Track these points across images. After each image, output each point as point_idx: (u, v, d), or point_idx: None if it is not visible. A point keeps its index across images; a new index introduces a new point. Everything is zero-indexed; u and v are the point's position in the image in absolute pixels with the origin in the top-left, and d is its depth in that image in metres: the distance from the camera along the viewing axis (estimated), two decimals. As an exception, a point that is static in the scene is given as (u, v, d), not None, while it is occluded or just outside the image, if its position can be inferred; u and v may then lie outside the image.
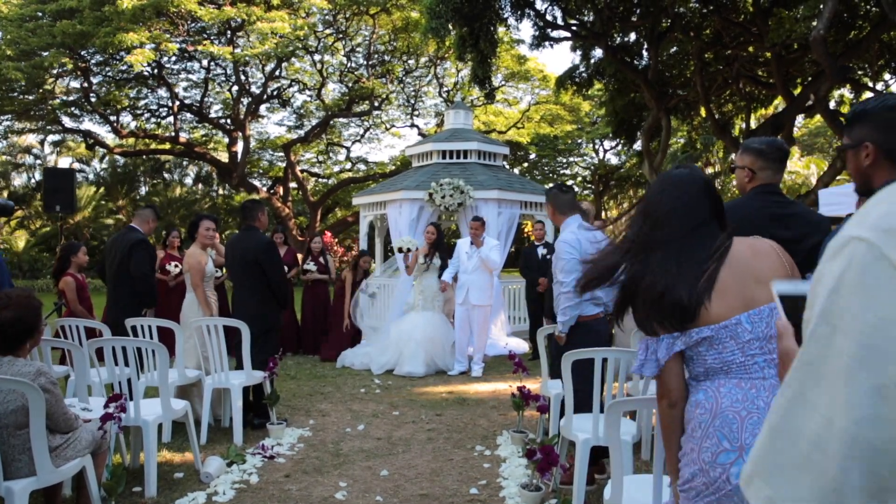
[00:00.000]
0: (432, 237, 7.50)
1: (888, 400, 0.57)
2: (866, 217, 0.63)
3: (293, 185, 25.23)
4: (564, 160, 30.86)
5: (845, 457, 0.58)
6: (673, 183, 1.82)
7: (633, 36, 13.86)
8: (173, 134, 22.41)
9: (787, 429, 0.64)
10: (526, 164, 30.05)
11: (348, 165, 27.73)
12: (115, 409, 3.27)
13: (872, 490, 0.58)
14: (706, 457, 1.63)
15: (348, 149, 26.81)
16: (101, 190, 26.70)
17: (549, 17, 12.85)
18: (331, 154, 27.55)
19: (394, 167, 25.84)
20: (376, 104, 22.59)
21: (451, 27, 11.27)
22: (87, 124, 37.49)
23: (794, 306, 0.97)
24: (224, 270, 7.06)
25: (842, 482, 0.58)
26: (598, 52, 14.02)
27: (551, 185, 4.24)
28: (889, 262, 0.58)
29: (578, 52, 14.56)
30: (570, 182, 29.75)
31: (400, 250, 7.49)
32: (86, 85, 19.63)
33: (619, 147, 25.35)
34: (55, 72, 17.83)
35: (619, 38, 13.71)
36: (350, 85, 22.31)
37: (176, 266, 7.36)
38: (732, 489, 1.58)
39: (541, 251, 7.86)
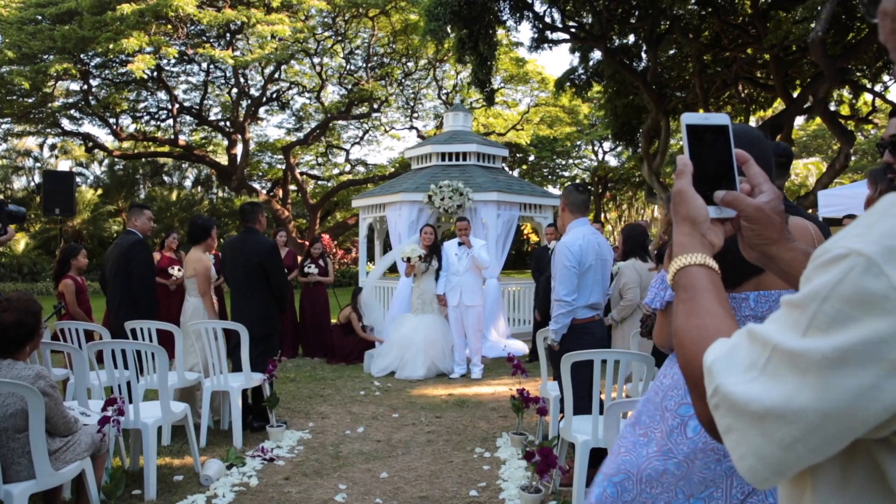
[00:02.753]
0: (430, 238, 7.47)
1: (861, 401, 0.58)
2: (871, 230, 0.61)
3: (293, 187, 25.25)
4: (563, 162, 30.91)
5: (799, 431, 0.60)
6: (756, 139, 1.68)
7: (631, 38, 13.88)
8: (173, 137, 22.44)
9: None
10: (525, 166, 30.08)
11: (347, 168, 27.75)
12: (114, 412, 3.27)
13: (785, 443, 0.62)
14: (669, 404, 1.67)
15: (347, 151, 26.85)
16: (101, 193, 26.71)
17: (547, 20, 12.87)
18: (330, 156, 27.58)
19: (393, 169, 25.86)
20: (375, 106, 22.62)
21: (449, 30, 11.29)
22: (87, 127, 37.42)
23: (699, 139, 0.92)
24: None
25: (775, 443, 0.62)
26: (596, 54, 14.05)
27: (569, 183, 4.25)
28: (888, 280, 0.57)
29: (577, 54, 14.59)
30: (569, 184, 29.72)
31: (408, 260, 7.38)
32: (85, 88, 19.66)
33: (619, 149, 25.41)
34: (55, 75, 17.85)
35: (617, 40, 13.73)
36: (349, 87, 22.34)
37: (179, 270, 7.33)
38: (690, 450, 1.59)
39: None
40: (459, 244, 7.28)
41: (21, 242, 23.61)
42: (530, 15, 12.46)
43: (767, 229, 0.91)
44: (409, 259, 7.31)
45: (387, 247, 10.31)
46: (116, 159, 26.10)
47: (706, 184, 0.91)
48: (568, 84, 15.12)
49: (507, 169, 16.06)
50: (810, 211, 8.77)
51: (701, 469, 1.57)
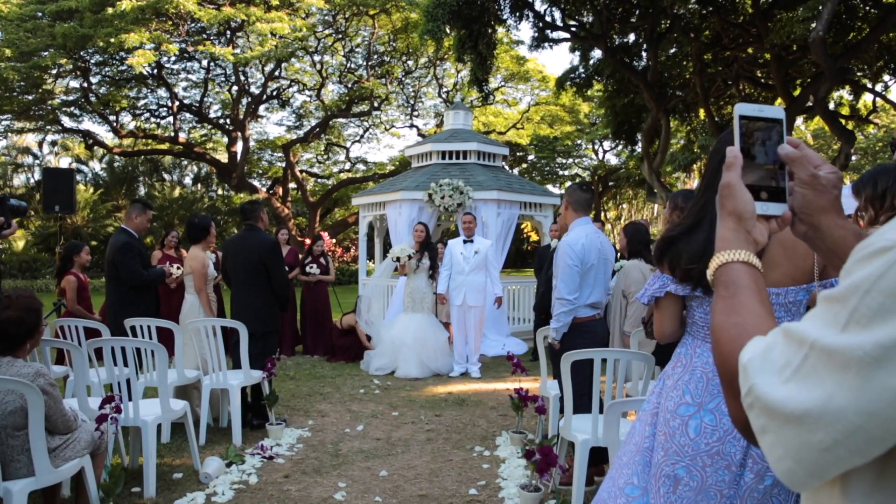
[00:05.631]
0: (421, 236, 7.46)
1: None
2: None
3: (292, 185, 25.24)
4: (564, 161, 30.89)
5: (837, 431, 0.58)
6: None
7: (632, 37, 13.87)
8: (173, 134, 22.41)
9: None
10: (525, 165, 30.06)
11: (347, 166, 27.75)
12: (111, 409, 3.26)
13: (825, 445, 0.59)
14: (669, 405, 1.71)
15: (347, 149, 26.83)
16: (101, 190, 26.67)
17: (548, 19, 12.86)
18: (330, 154, 27.56)
19: (393, 167, 25.85)
20: (376, 105, 22.60)
21: (448, 29, 11.28)
22: (87, 124, 37.49)
23: (749, 131, 0.89)
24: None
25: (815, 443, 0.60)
26: (597, 53, 14.03)
27: (570, 183, 4.26)
28: None
29: (577, 53, 14.58)
30: (568, 183, 29.72)
31: (397, 259, 7.41)
32: (85, 85, 19.63)
33: (619, 148, 25.39)
34: (54, 72, 17.81)
35: (618, 39, 13.71)
36: (349, 85, 22.33)
37: (178, 268, 7.31)
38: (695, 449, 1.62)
39: None
40: (465, 241, 7.27)
41: (21, 240, 23.60)
42: (530, 14, 12.44)
43: (821, 197, 0.89)
44: (398, 259, 7.34)
45: (387, 245, 10.32)
46: (116, 157, 26.07)
47: (755, 178, 0.88)
48: (568, 83, 15.11)
49: (507, 168, 16.05)
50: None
51: (714, 480, 1.58)
